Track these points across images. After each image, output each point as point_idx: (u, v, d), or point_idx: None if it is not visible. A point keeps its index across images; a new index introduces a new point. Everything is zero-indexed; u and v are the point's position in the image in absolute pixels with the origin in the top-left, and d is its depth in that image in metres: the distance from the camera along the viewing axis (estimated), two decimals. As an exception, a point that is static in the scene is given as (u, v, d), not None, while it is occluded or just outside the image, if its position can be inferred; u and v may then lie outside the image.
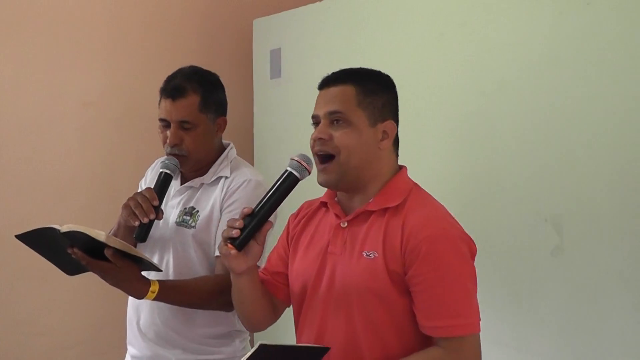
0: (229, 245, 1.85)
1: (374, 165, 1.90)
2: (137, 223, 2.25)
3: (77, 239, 2.06)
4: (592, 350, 2.48)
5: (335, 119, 1.88)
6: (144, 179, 2.64)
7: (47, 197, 3.62)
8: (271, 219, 1.91)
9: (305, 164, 1.88)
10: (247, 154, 3.94)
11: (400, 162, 3.05)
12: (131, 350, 2.51)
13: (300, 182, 1.91)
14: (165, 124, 2.40)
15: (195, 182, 2.44)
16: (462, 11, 2.93)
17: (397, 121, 1.98)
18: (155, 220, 2.33)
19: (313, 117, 1.95)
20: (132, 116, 3.81)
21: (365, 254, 1.84)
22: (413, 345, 1.82)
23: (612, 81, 2.43)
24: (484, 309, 2.79)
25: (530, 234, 2.66)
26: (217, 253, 2.33)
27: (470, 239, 1.87)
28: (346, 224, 1.92)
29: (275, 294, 2.07)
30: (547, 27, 2.62)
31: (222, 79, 2.57)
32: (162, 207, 2.39)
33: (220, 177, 2.42)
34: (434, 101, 3.06)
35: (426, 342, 1.83)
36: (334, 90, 1.91)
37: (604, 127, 2.45)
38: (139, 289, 2.16)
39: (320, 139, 1.89)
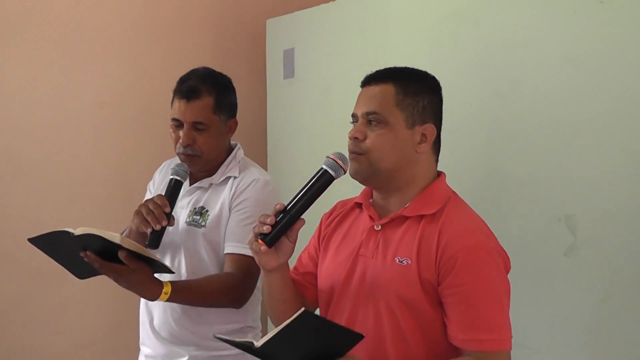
0: (260, 241, 1.81)
1: (410, 168, 1.86)
2: (149, 230, 2.27)
3: (91, 241, 2.07)
4: (607, 350, 2.47)
5: (372, 119, 1.84)
6: (152, 181, 2.66)
7: (62, 198, 3.64)
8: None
9: (341, 163, 1.85)
10: (261, 154, 3.95)
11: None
12: (145, 350, 2.53)
13: (335, 181, 1.88)
14: (178, 124, 2.42)
15: (204, 182, 2.47)
16: (476, 11, 2.92)
17: (439, 125, 1.93)
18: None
19: (352, 115, 1.92)
20: (147, 116, 3.83)
21: (397, 260, 1.81)
22: (439, 353, 1.79)
23: (627, 80, 2.41)
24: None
25: (544, 233, 2.64)
26: (226, 250, 2.35)
27: (506, 253, 1.84)
28: (380, 227, 1.89)
29: (304, 294, 2.04)
30: (561, 26, 2.61)
31: (235, 79, 2.58)
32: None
33: (229, 177, 2.45)
34: (448, 101, 3.04)
35: (453, 353, 1.79)
36: (374, 89, 1.88)
37: (618, 127, 2.44)
38: (152, 291, 2.18)
39: (355, 138, 1.85)
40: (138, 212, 2.30)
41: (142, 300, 2.51)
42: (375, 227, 1.89)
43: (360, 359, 1.70)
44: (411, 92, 1.87)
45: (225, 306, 2.37)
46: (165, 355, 2.46)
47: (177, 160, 2.53)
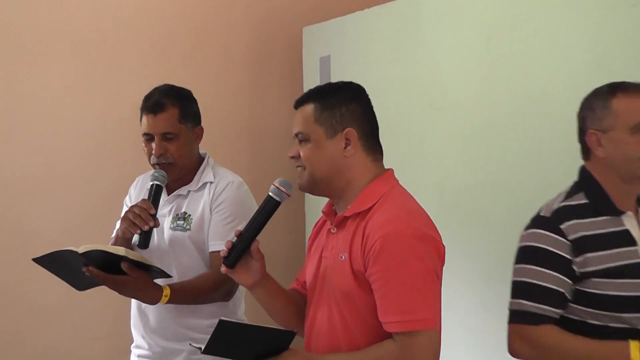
0: (224, 264, 2.04)
1: (343, 173, 2.02)
2: (138, 232, 2.44)
3: (94, 257, 2.26)
4: None
5: (300, 138, 2.03)
6: (127, 196, 2.82)
7: (103, 203, 3.71)
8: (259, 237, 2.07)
9: (283, 189, 2.05)
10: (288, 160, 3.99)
11: (449, 162, 3.08)
12: (138, 351, 2.68)
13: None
14: (149, 137, 2.60)
15: (183, 190, 2.65)
16: (509, 16, 2.94)
17: (364, 127, 2.03)
18: (153, 230, 2.52)
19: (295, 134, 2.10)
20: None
21: (340, 256, 1.98)
22: (381, 339, 1.92)
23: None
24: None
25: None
26: (210, 249, 2.56)
27: (435, 239, 1.93)
28: (335, 230, 2.05)
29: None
30: (592, 31, 2.61)
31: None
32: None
33: (206, 183, 2.63)
34: (480, 105, 3.07)
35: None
36: (299, 111, 2.06)
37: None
38: (154, 296, 2.40)
39: (293, 157, 2.06)
40: (125, 218, 2.47)
41: (134, 304, 2.70)
42: (331, 230, 2.07)
43: (303, 352, 1.99)
44: (328, 106, 2.02)
45: (216, 300, 2.57)
46: (161, 353, 2.63)
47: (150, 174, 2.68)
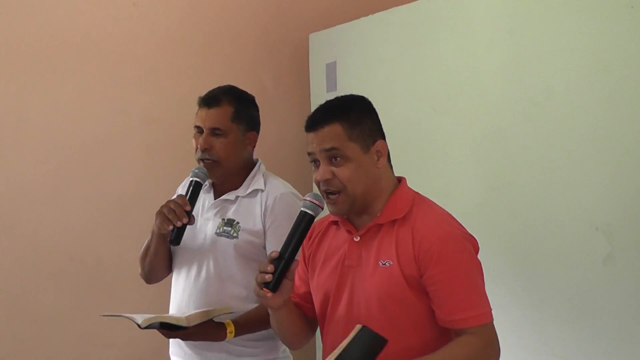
0: (265, 289, 1.98)
1: (376, 185, 2.03)
2: (170, 227, 2.41)
3: (155, 324, 2.33)
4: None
5: (333, 155, 1.99)
6: (175, 196, 2.76)
7: (113, 214, 3.74)
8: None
9: (317, 202, 2.01)
10: (304, 166, 4.00)
11: (455, 166, 3.10)
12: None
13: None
14: (199, 130, 2.56)
15: (231, 195, 2.58)
16: (510, 19, 2.95)
17: (384, 136, 2.06)
18: (194, 232, 2.52)
19: (309, 153, 2.04)
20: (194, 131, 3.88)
21: (381, 263, 1.99)
22: (430, 335, 1.99)
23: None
24: (536, 319, 2.83)
25: (581, 242, 2.65)
26: None
27: (473, 237, 2.02)
28: (359, 238, 2.05)
29: (307, 313, 2.20)
30: (593, 33, 2.61)
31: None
32: (197, 218, 2.56)
33: (256, 190, 2.56)
34: (485, 109, 3.07)
35: (442, 332, 1.99)
36: (322, 131, 2.00)
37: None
38: (219, 335, 2.41)
39: (326, 179, 2.00)
40: (159, 213, 2.44)
41: (171, 310, 2.66)
42: (354, 238, 2.05)
43: None
44: (356, 122, 2.01)
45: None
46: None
47: None
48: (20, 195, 3.61)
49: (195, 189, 2.49)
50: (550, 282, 2.77)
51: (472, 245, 2.01)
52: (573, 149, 2.71)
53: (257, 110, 2.67)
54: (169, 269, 2.68)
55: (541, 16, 2.83)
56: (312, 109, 4.06)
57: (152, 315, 2.32)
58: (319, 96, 4.03)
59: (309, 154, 2.05)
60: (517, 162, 2.94)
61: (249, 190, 2.56)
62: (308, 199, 2.01)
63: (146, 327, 2.31)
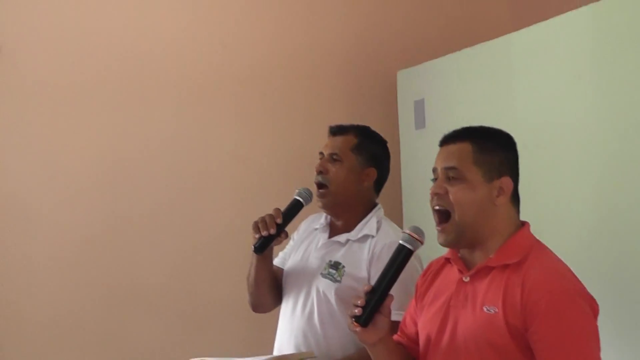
0: (355, 323, 1.93)
1: (490, 220, 1.95)
2: (257, 235, 2.47)
3: None
4: None
5: (452, 175, 1.95)
6: (296, 231, 2.79)
7: (205, 252, 3.84)
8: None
9: (417, 236, 1.97)
10: (395, 205, 4.00)
11: (546, 204, 3.02)
12: None
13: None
14: (321, 156, 2.62)
15: (342, 237, 2.58)
16: (596, 53, 2.89)
17: (515, 179, 2.00)
18: (303, 270, 2.54)
19: (433, 170, 2.02)
20: (289, 171, 3.92)
21: (485, 309, 1.90)
22: None
23: None
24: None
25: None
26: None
27: (592, 297, 1.86)
28: (468, 279, 1.97)
29: (412, 354, 2.12)
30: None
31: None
32: (308, 257, 2.58)
33: (367, 236, 2.54)
34: (576, 145, 3.02)
35: None
36: (452, 147, 2.00)
37: None
38: None
39: (437, 194, 1.96)
40: (255, 222, 2.52)
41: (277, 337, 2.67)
42: (463, 278, 1.98)
43: None
44: (488, 150, 1.98)
45: None
46: None
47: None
48: (119, 234, 3.74)
49: (293, 206, 2.57)
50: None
51: (591, 307, 1.87)
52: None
53: (384, 152, 2.70)
54: (276, 300, 2.69)
55: (629, 47, 2.76)
56: (402, 147, 4.13)
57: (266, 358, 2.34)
58: (408, 134, 4.03)
59: (433, 170, 2.02)
60: (611, 196, 2.85)
61: (360, 235, 2.56)
62: (407, 232, 1.98)
63: None
